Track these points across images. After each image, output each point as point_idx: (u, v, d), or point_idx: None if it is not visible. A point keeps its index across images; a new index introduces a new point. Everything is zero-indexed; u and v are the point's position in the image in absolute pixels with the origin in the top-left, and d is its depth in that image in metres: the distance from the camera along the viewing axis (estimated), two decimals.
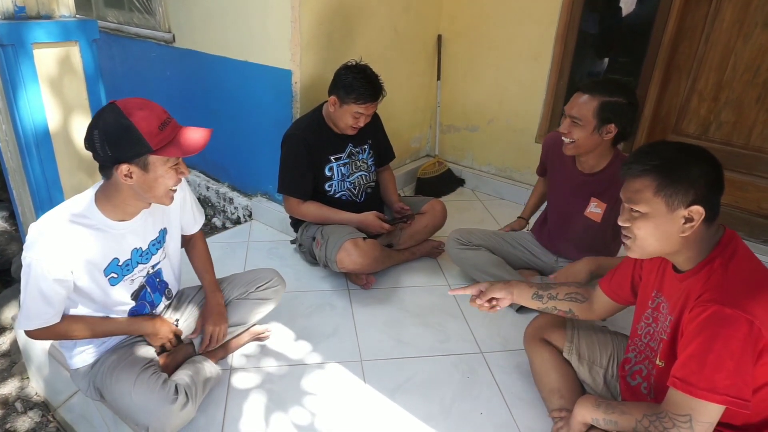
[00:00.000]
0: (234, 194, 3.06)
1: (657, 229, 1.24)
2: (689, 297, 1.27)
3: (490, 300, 1.66)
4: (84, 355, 1.60)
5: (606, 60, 3.05)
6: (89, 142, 1.32)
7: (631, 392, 1.55)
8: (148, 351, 1.66)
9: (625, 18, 2.90)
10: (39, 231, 1.36)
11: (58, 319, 1.45)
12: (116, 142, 1.30)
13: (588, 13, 2.88)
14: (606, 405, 1.40)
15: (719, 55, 2.59)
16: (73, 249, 1.38)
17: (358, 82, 2.17)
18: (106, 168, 1.35)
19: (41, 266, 1.34)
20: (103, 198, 1.42)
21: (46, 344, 1.89)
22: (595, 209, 2.11)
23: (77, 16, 1.65)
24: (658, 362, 1.39)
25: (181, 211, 1.70)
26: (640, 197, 1.24)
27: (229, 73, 2.77)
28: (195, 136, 1.39)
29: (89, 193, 1.44)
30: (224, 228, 3.10)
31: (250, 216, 2.98)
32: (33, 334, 1.47)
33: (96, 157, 1.34)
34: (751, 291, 1.17)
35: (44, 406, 2.05)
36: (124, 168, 1.32)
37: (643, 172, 1.23)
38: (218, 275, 1.96)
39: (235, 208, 3.06)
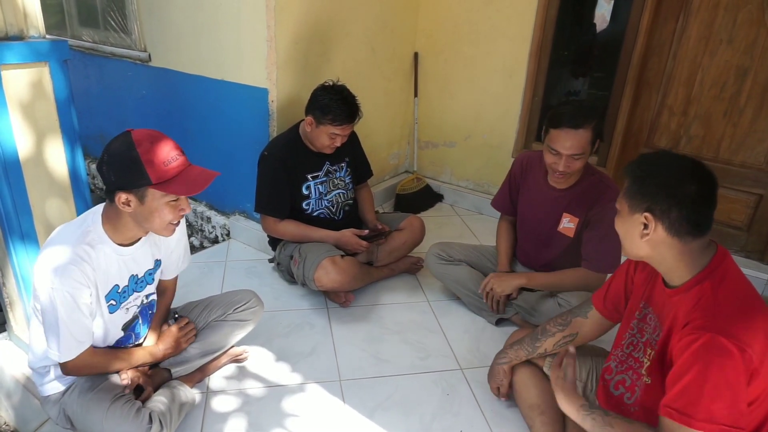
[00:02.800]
0: (212, 213, 3.03)
1: (622, 227, 1.32)
2: (677, 315, 1.27)
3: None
4: (56, 382, 1.56)
5: (579, 77, 3.12)
6: (99, 162, 1.38)
7: (613, 403, 1.55)
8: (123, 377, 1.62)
9: (597, 35, 2.97)
10: (54, 257, 1.36)
11: (90, 342, 1.47)
12: (119, 170, 1.34)
13: (561, 31, 2.94)
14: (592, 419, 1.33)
15: (687, 70, 2.66)
16: (86, 268, 1.39)
17: (334, 103, 2.17)
18: (110, 192, 1.38)
19: (65, 293, 1.35)
20: (107, 220, 1.45)
21: (17, 372, 1.84)
22: (568, 224, 2.13)
23: (47, 36, 1.64)
24: (645, 379, 1.39)
25: (176, 247, 1.70)
26: (620, 196, 1.33)
27: (206, 92, 2.76)
28: (198, 177, 1.40)
29: (97, 214, 1.46)
30: (202, 247, 3.06)
31: (228, 235, 2.96)
32: (76, 366, 1.47)
33: (102, 179, 1.38)
34: (741, 317, 1.17)
35: None
36: (122, 196, 1.35)
37: (625, 172, 1.31)
38: (196, 296, 1.96)
39: (213, 227, 3.03)
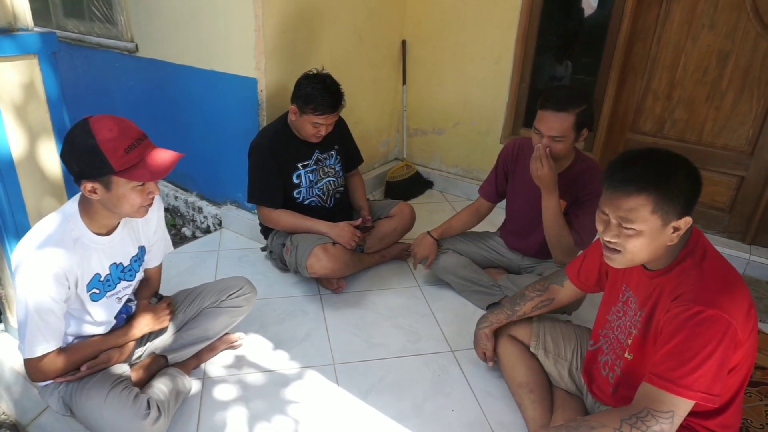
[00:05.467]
0: (203, 203, 3.05)
1: (650, 243, 1.24)
2: (663, 294, 1.31)
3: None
4: None
5: (565, 62, 3.14)
6: (62, 153, 1.37)
7: (597, 384, 1.60)
8: (120, 366, 1.65)
9: (584, 21, 2.99)
10: (28, 251, 1.37)
11: (59, 345, 1.46)
12: (80, 160, 1.33)
13: (547, 17, 2.96)
14: (566, 429, 1.31)
15: (671, 55, 2.70)
16: (64, 263, 1.39)
17: (317, 92, 2.18)
18: (77, 181, 1.38)
19: (37, 287, 1.35)
20: (82, 208, 1.45)
21: (15, 362, 1.86)
22: None
23: (35, 29, 1.64)
24: (626, 355, 1.44)
25: (157, 228, 1.71)
26: (636, 216, 1.22)
27: (194, 82, 2.76)
28: (162, 160, 1.40)
29: (75, 203, 1.46)
30: (194, 237, 3.08)
31: (219, 224, 2.98)
32: (43, 368, 1.45)
33: (67, 169, 1.37)
34: (726, 291, 1.22)
35: (14, 427, 2.01)
36: (88, 185, 1.35)
37: (637, 190, 1.21)
38: (188, 285, 1.97)
39: (205, 217, 3.05)
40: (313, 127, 2.25)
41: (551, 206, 2.07)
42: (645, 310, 1.37)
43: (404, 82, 3.48)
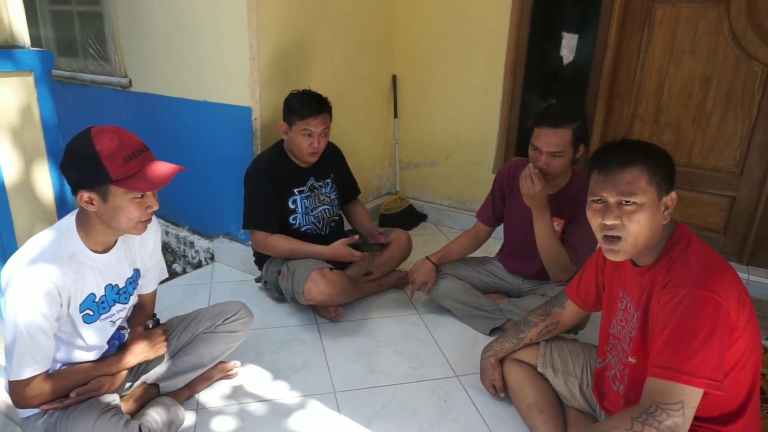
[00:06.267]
0: (195, 237, 2.99)
1: (651, 219, 1.25)
2: (654, 287, 1.30)
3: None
4: None
5: (553, 91, 3.22)
6: (61, 162, 1.34)
7: (609, 399, 1.55)
8: (109, 396, 1.55)
9: (569, 50, 3.08)
10: (19, 267, 1.31)
11: (47, 367, 1.37)
12: (79, 167, 1.31)
13: (533, 48, 3.06)
14: None
15: (655, 81, 2.78)
16: (57, 279, 1.33)
17: (300, 99, 2.25)
18: (74, 191, 1.34)
19: (28, 303, 1.29)
20: (80, 223, 1.40)
21: None
22: (555, 228, 2.17)
23: (32, 48, 1.64)
24: (630, 359, 1.40)
25: (153, 252, 1.66)
26: (636, 187, 1.23)
27: (188, 114, 2.77)
28: (162, 171, 1.37)
29: (72, 219, 1.41)
30: (185, 273, 3.00)
31: (212, 258, 2.91)
32: (29, 393, 1.36)
33: (66, 179, 1.34)
34: (714, 274, 1.21)
35: None
36: (85, 194, 1.32)
37: (631, 162, 1.24)
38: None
39: (196, 251, 2.98)
40: (304, 137, 2.24)
41: (544, 226, 2.07)
42: (640, 308, 1.35)
43: (396, 116, 3.52)
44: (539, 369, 1.74)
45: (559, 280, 2.16)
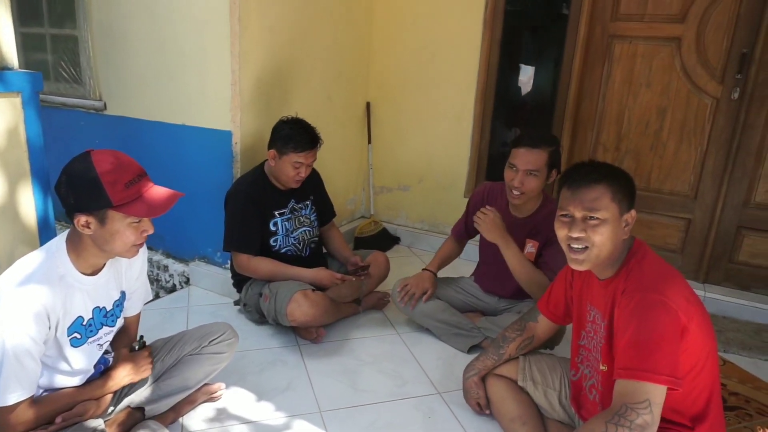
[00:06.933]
0: (169, 261, 2.95)
1: (613, 233, 1.38)
2: (616, 296, 1.41)
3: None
4: None
5: (522, 118, 3.37)
6: (57, 184, 1.33)
7: (586, 408, 1.62)
8: (93, 421, 1.52)
9: (536, 80, 3.25)
10: (8, 288, 1.29)
11: (32, 393, 1.34)
12: (78, 192, 1.31)
13: (503, 77, 3.22)
14: None
15: (615, 111, 2.97)
16: (47, 300, 1.31)
17: (294, 131, 2.26)
18: (70, 214, 1.34)
19: (16, 326, 1.26)
20: (71, 245, 1.39)
21: None
22: (530, 249, 2.25)
23: (20, 69, 1.64)
24: (601, 367, 1.49)
25: (140, 274, 1.65)
26: (600, 204, 1.37)
27: (165, 138, 2.76)
28: (161, 198, 1.38)
29: (62, 241, 1.40)
30: (157, 298, 2.95)
31: (187, 282, 2.88)
32: (13, 420, 1.32)
33: (61, 201, 1.33)
34: (664, 281, 1.34)
35: None
36: (82, 218, 1.32)
37: (597, 180, 1.38)
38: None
39: (170, 275, 2.95)
40: (293, 168, 2.28)
41: (512, 254, 2.15)
42: (606, 318, 1.45)
43: (369, 142, 3.61)
44: (520, 383, 1.80)
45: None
